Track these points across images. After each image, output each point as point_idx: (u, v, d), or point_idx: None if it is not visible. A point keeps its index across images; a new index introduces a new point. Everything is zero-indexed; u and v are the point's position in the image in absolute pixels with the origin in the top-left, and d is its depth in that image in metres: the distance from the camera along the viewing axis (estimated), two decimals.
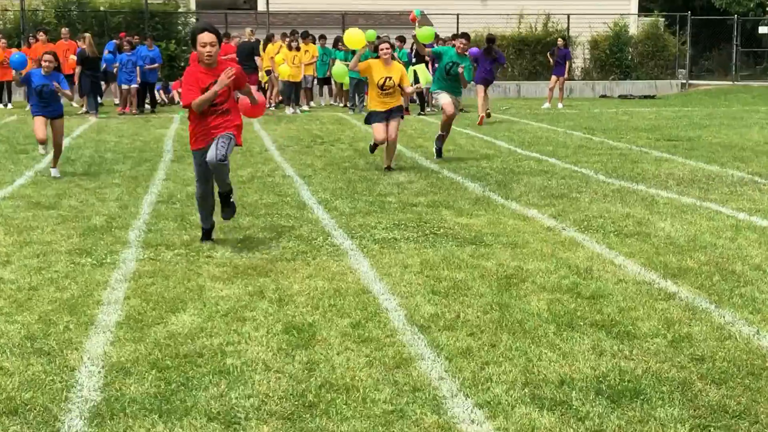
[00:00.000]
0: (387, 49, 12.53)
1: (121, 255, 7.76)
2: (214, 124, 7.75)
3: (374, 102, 12.68)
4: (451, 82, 14.01)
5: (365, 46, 13.30)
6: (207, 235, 8.33)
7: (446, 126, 14.26)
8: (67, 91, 12.53)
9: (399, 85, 12.56)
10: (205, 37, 7.61)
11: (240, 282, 6.89)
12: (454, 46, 14.40)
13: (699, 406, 4.54)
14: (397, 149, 15.56)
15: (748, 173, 12.44)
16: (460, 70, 13.82)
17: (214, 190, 8.11)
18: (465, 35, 14.31)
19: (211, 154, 7.58)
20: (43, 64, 12.08)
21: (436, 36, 24.48)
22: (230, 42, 24.74)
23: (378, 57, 12.56)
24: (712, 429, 4.30)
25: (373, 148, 13.25)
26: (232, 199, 8.09)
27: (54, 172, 12.42)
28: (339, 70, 23.84)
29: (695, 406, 4.55)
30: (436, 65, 14.78)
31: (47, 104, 12.24)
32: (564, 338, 5.55)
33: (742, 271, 7.11)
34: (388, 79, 12.39)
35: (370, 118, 12.70)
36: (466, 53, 14.28)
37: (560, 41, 26.99)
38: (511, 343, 5.46)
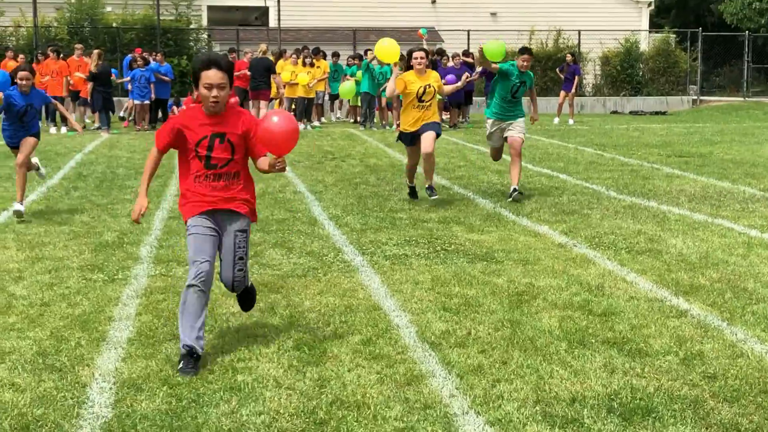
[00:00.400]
0: (421, 58, 11.28)
1: (132, 271, 7.78)
2: (216, 194, 5.59)
3: (408, 118, 11.28)
4: (514, 105, 11.90)
5: (400, 62, 11.55)
6: (192, 362, 5.30)
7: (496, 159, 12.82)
8: (62, 108, 11.55)
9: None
10: (212, 75, 5.42)
11: None
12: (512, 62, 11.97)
13: (711, 424, 4.52)
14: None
15: (760, 190, 12.41)
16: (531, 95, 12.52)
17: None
18: (528, 50, 12.05)
19: (226, 277, 5.64)
20: (19, 82, 10.17)
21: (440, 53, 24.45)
22: (243, 58, 24.84)
23: (410, 68, 11.24)
24: None
25: (410, 174, 11.87)
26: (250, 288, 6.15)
27: (17, 206, 10.27)
28: (346, 88, 24.01)
29: (707, 424, 4.53)
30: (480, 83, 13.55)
31: (25, 129, 10.39)
32: (575, 356, 5.54)
33: (755, 289, 7.09)
34: (427, 87, 11.12)
35: (403, 138, 11.48)
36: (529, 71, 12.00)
37: (569, 57, 27.06)
38: (523, 361, 5.45)
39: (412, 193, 11.83)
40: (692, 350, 5.63)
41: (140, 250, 8.60)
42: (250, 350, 5.67)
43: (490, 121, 12.04)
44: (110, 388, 5.00)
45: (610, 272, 7.68)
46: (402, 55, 11.44)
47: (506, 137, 11.86)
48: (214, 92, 5.44)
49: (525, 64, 11.70)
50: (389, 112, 24.17)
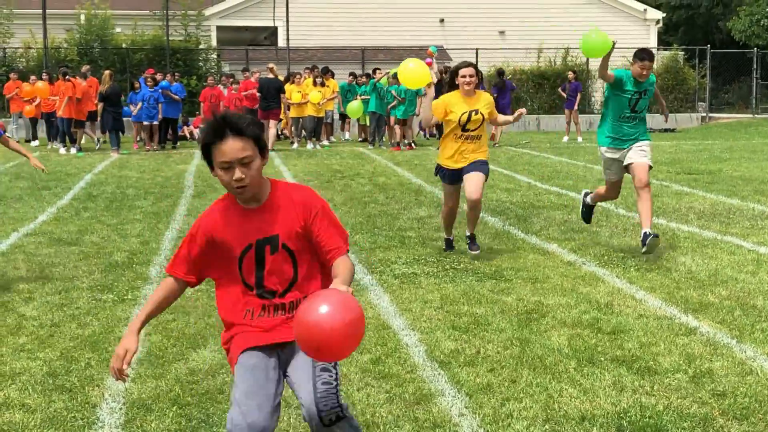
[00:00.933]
0: (471, 76, 8.91)
1: (142, 291, 7.81)
2: (273, 321, 3.73)
3: (448, 150, 9.08)
4: (636, 123, 9.21)
5: (431, 84, 9.22)
6: None
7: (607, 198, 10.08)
8: (13, 143, 8.55)
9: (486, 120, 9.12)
10: (228, 149, 3.53)
11: None
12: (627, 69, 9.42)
13: None
14: (418, 184, 15.65)
15: None
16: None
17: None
18: (648, 55, 9.20)
19: (307, 399, 3.57)
20: None
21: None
22: (251, 78, 24.95)
23: (452, 89, 9.06)
24: None
25: (447, 221, 9.57)
26: None
27: None
28: (354, 107, 24.10)
29: None
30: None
31: None
32: (585, 374, 5.53)
33: (764, 306, 7.07)
34: (473, 114, 8.89)
35: (441, 174, 9.32)
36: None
37: (570, 75, 27.15)
38: (532, 379, 5.45)
39: (449, 245, 9.55)
40: (701, 368, 5.62)
41: (150, 270, 8.63)
42: None
43: (604, 149, 9.36)
44: (120, 409, 5.02)
45: (619, 290, 7.68)
46: (444, 70, 10.20)
47: (627, 165, 9.21)
48: (238, 173, 3.53)
49: (645, 73, 9.07)
50: (395, 131, 24.21)
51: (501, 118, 9.41)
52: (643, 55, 9.14)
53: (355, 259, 9.08)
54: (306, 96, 24.08)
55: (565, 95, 27.06)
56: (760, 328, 6.49)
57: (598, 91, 34.79)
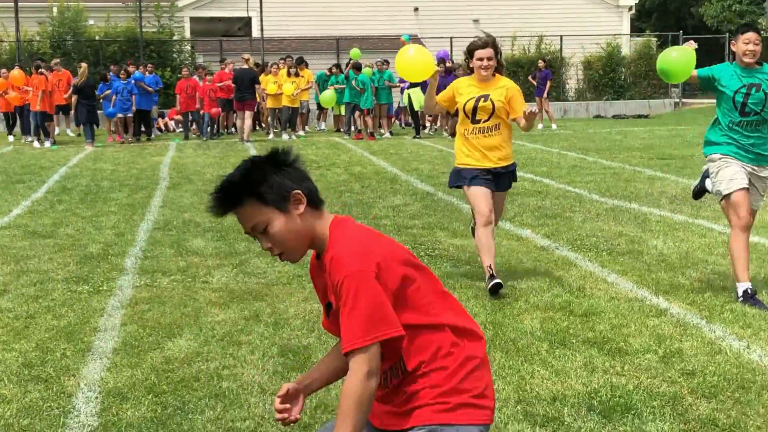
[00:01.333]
0: (488, 59, 7.18)
1: (117, 282, 7.82)
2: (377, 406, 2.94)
3: (464, 147, 7.36)
4: (754, 131, 6.85)
5: (436, 73, 7.17)
6: None
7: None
8: None
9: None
10: (238, 220, 2.89)
11: (236, 306, 6.95)
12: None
13: (689, 420, 4.60)
14: (393, 172, 15.70)
15: None
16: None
17: None
18: (752, 27, 6.84)
19: None
20: None
21: (444, 60, 24.35)
22: (225, 69, 24.89)
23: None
24: None
25: (484, 243, 7.27)
26: None
27: None
28: (327, 96, 24.11)
29: (685, 420, 4.60)
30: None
31: None
32: (556, 356, 5.61)
33: (733, 287, 7.17)
34: (481, 100, 7.18)
35: (459, 178, 7.41)
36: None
37: (541, 63, 27.34)
38: (505, 362, 5.51)
39: (494, 284, 7.02)
40: (671, 348, 5.71)
41: (125, 262, 8.64)
42: (235, 358, 5.72)
43: (717, 157, 7.01)
44: (96, 398, 5.05)
45: (592, 273, 7.76)
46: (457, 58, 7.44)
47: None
48: (264, 244, 2.87)
49: (755, 49, 6.69)
50: (371, 120, 24.21)
51: (522, 122, 7.23)
52: (747, 27, 6.80)
53: None
54: (281, 86, 24.07)
55: (535, 83, 27.18)
56: (730, 308, 6.59)
57: (572, 79, 34.96)
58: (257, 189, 2.79)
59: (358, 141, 22.93)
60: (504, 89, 7.23)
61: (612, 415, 4.67)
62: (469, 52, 7.27)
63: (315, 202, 2.88)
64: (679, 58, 6.72)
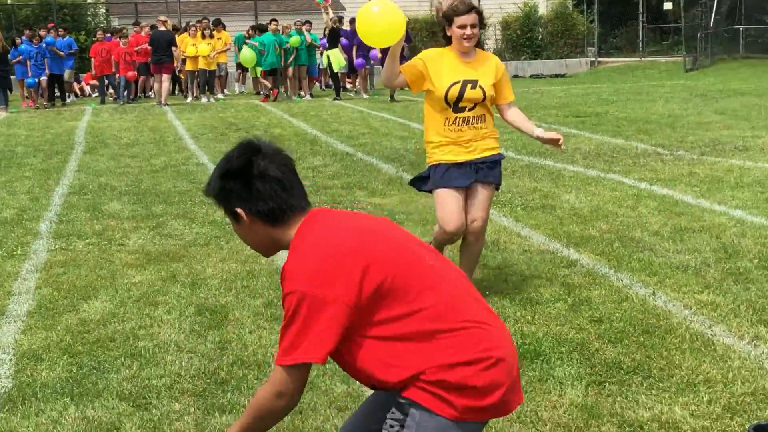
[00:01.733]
0: (473, 27, 5.60)
1: (32, 246, 7.73)
2: None
3: (438, 137, 5.74)
4: None
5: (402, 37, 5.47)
6: None
7: None
8: None
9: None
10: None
11: (153, 268, 6.94)
12: None
13: (596, 364, 4.76)
14: (313, 134, 15.70)
15: (652, 145, 12.81)
16: None
17: None
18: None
19: None
20: None
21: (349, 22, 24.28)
22: (140, 32, 24.50)
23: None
24: (607, 384, 4.51)
25: (443, 242, 5.91)
26: None
27: None
28: (246, 56, 23.88)
29: (592, 364, 4.76)
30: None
31: None
32: None
33: (641, 237, 7.39)
34: (469, 86, 5.64)
35: (430, 178, 5.85)
36: None
37: None
38: None
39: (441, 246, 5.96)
40: (580, 297, 5.88)
41: (39, 226, 8.54)
42: (151, 318, 5.73)
43: None
44: (10, 360, 5.03)
45: (506, 228, 7.91)
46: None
47: None
48: None
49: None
50: (298, 81, 24.15)
51: (515, 116, 5.96)
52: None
53: None
54: (197, 48, 23.78)
55: None
56: (637, 258, 6.79)
57: (490, 39, 35.15)
58: (211, 194, 2.86)
59: (278, 103, 22.81)
60: (492, 70, 5.75)
61: (521, 361, 4.80)
62: (447, 19, 5.63)
63: (273, 220, 2.79)
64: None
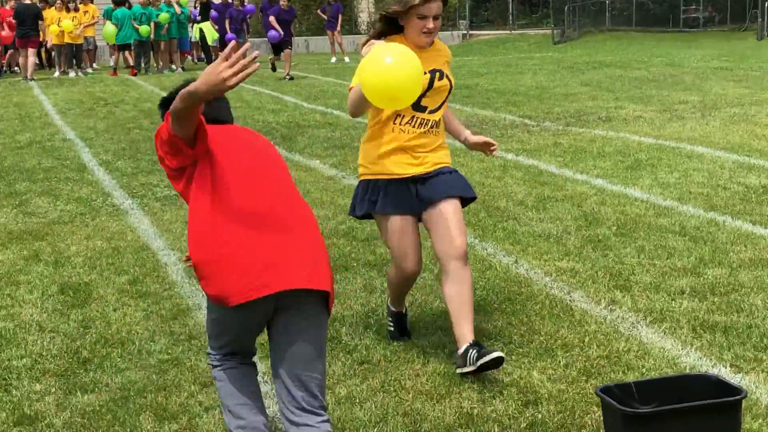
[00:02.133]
0: (435, 20, 4.42)
1: None
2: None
3: (383, 146, 4.68)
4: None
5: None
6: None
7: None
8: None
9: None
10: None
11: (14, 247, 6.77)
12: None
13: None
14: None
15: (519, 116, 13.09)
16: None
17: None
18: None
19: None
20: None
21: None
22: (5, 6, 23.68)
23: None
24: None
25: (398, 290, 4.87)
26: None
27: None
28: (109, 31, 23.42)
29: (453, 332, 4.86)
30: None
31: None
32: (338, 279, 5.78)
33: (506, 207, 7.56)
34: (436, 76, 4.51)
35: (366, 200, 4.74)
36: None
37: None
38: None
39: (399, 325, 4.90)
40: None
41: None
42: (12, 298, 5.61)
43: None
44: None
45: None
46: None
47: None
48: None
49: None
50: (169, 55, 23.80)
51: (445, 115, 4.84)
52: None
53: (116, 185, 8.99)
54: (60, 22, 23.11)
55: (325, 17, 27.30)
56: (502, 227, 6.95)
57: (364, 12, 35.20)
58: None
59: (148, 77, 22.40)
60: (447, 59, 4.68)
61: (386, 331, 4.89)
62: (402, 4, 4.38)
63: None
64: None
